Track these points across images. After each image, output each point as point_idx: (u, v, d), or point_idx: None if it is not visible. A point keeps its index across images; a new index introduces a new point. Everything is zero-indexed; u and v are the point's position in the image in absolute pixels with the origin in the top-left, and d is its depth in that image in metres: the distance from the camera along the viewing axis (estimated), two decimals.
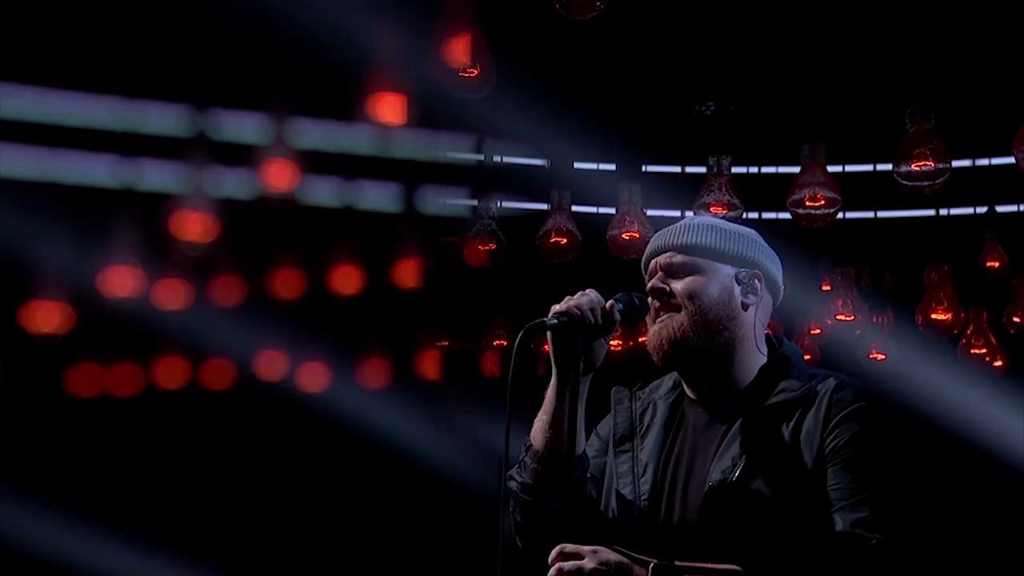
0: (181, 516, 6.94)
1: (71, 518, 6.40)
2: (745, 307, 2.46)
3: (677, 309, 2.44)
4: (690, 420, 2.48)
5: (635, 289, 2.51)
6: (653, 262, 2.52)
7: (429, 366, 7.60)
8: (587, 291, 2.42)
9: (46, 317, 6.00)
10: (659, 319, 2.46)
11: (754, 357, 2.46)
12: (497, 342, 7.22)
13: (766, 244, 2.56)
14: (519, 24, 5.07)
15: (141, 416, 7.00)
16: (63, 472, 6.66)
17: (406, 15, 4.47)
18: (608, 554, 2.25)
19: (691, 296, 2.43)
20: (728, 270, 2.47)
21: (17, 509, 6.27)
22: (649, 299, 2.49)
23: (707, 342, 2.42)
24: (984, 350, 6.72)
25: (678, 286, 2.45)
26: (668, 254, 2.49)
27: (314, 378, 7.15)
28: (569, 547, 2.25)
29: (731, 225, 2.55)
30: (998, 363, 6.79)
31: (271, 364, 7.06)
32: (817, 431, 2.32)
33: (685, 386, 2.51)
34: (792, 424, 2.34)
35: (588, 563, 2.22)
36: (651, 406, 2.54)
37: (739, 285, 2.46)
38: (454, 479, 7.04)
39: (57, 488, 6.45)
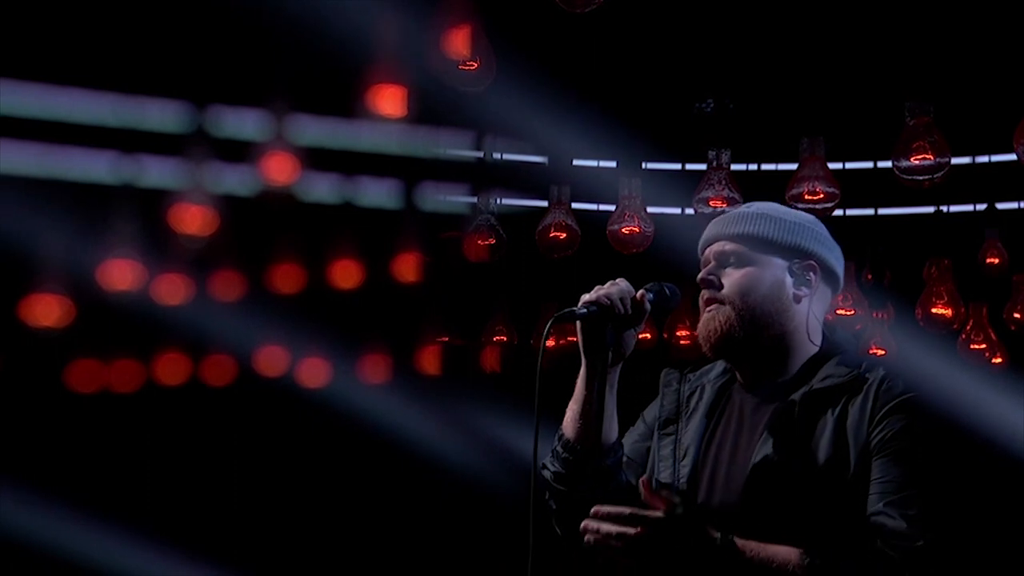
0: (181, 512, 6.94)
1: (71, 514, 6.39)
2: (798, 299, 2.41)
3: (725, 302, 2.41)
4: (736, 405, 2.45)
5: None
6: (707, 251, 2.49)
7: (429, 361, 7.60)
8: (617, 280, 2.39)
9: (46, 310, 6.00)
10: (707, 310, 2.43)
11: (806, 347, 2.42)
12: (496, 337, 7.22)
13: (825, 232, 2.50)
14: (519, 19, 5.07)
15: (141, 412, 7.01)
16: (63, 468, 6.66)
17: (406, 8, 4.46)
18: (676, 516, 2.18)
19: (740, 292, 2.40)
20: (781, 262, 2.42)
21: (16, 505, 6.26)
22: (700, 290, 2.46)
23: (755, 335, 2.39)
24: (984, 345, 6.72)
25: (727, 279, 2.42)
26: (721, 243, 2.46)
27: (314, 374, 7.15)
28: (638, 510, 2.17)
29: (788, 213, 2.49)
30: (997, 359, 6.79)
31: (271, 359, 7.06)
32: (864, 420, 2.29)
33: (736, 372, 2.49)
34: (838, 410, 2.31)
35: (655, 520, 2.16)
36: (699, 390, 2.51)
37: (792, 277, 2.42)
38: (455, 474, 7.05)
39: (56, 484, 6.45)
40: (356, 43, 4.67)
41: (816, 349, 2.44)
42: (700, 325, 2.45)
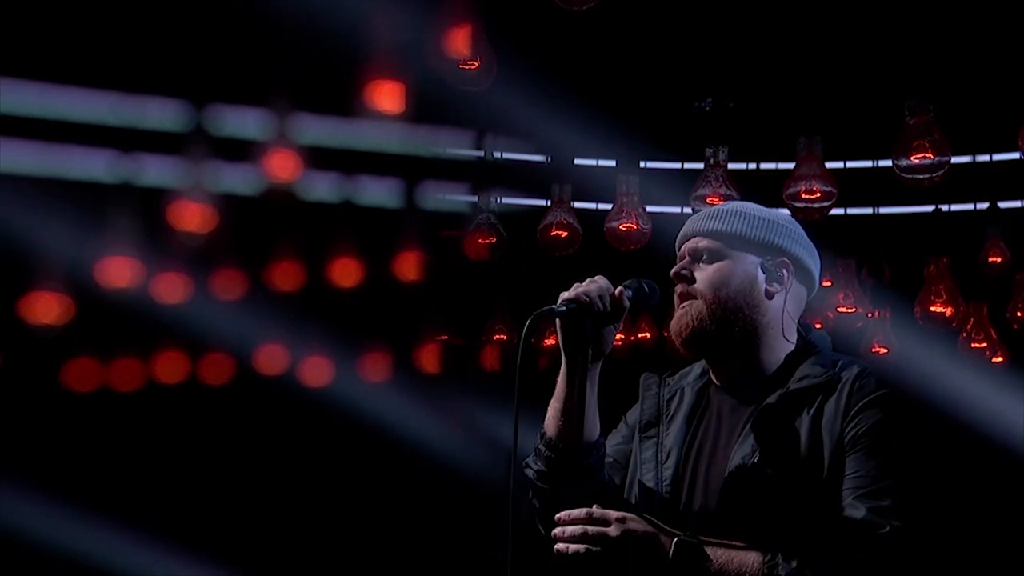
0: (181, 511, 6.93)
1: (70, 513, 6.39)
2: (770, 295, 2.44)
3: (697, 296, 2.44)
4: (715, 406, 2.47)
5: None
6: (683, 247, 2.53)
7: (429, 360, 7.60)
8: (596, 278, 2.40)
9: (45, 308, 6.00)
10: (680, 306, 2.46)
11: (780, 344, 2.45)
12: (497, 336, 7.23)
13: (801, 231, 2.53)
14: (519, 19, 5.06)
15: (140, 411, 7.00)
16: (61, 467, 6.65)
17: (406, 7, 4.46)
18: (635, 523, 2.24)
19: (711, 286, 2.43)
20: (753, 258, 2.46)
21: (15, 503, 6.26)
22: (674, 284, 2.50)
23: (726, 330, 2.41)
24: (984, 344, 6.72)
25: (700, 274, 2.46)
26: (695, 239, 2.50)
27: (315, 372, 7.15)
28: (598, 512, 2.24)
29: (764, 211, 2.52)
30: (998, 358, 6.79)
31: (271, 358, 7.06)
32: (838, 418, 2.31)
33: (712, 373, 2.51)
34: (813, 410, 2.33)
35: (613, 531, 2.22)
36: (679, 393, 2.54)
37: (764, 273, 2.45)
38: (456, 472, 7.05)
39: (55, 483, 6.44)
40: (357, 42, 4.67)
41: (792, 347, 2.46)
42: (673, 321, 2.48)
